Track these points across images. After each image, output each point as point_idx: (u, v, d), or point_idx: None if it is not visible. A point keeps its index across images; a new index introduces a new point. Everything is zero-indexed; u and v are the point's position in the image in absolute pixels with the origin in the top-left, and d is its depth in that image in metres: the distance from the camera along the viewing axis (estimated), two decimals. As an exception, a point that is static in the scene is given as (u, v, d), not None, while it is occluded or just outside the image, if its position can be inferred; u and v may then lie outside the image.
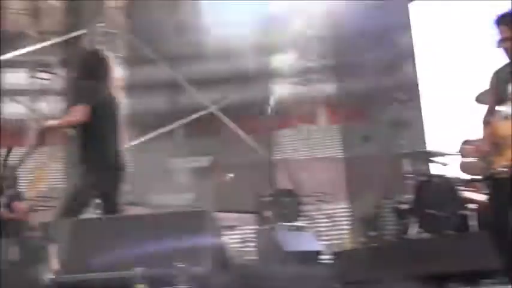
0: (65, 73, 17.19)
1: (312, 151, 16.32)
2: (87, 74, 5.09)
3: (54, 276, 4.14)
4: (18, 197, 8.07)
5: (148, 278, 3.70)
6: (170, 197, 25.68)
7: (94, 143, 4.89)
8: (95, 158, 4.92)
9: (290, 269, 8.08)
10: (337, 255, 8.18)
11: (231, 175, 13.08)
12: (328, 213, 13.41)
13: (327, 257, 10.82)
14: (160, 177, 25.31)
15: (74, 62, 4.96)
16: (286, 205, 10.88)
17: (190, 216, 4.34)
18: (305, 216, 12.28)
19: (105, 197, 5.20)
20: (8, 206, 7.93)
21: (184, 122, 17.13)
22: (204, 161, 28.49)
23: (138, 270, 3.68)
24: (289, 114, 17.60)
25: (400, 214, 8.77)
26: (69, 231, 4.28)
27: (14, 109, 24.75)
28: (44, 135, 4.80)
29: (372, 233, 9.97)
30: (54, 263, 9.68)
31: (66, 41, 15.85)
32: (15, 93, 17.73)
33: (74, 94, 4.88)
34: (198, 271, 3.88)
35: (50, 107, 16.57)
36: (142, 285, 3.59)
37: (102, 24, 14.74)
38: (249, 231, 11.51)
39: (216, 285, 4.01)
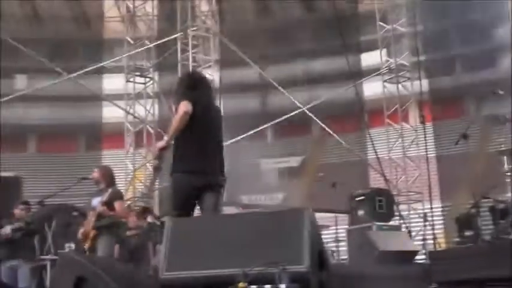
0: (159, 77, 17.80)
1: (404, 150, 16.02)
2: (187, 88, 5.12)
3: (157, 274, 4.31)
4: (116, 195, 8.40)
5: (249, 276, 3.78)
6: (261, 197, 26.01)
7: (193, 147, 4.94)
8: (192, 163, 4.95)
9: (384, 269, 7.98)
10: (432, 255, 8.00)
11: (321, 174, 13.03)
12: (422, 213, 13.13)
13: (422, 256, 10.62)
14: (251, 177, 25.69)
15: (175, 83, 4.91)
16: (379, 204, 10.76)
17: (289, 215, 4.39)
18: (399, 215, 12.11)
19: (203, 200, 5.29)
20: (107, 204, 8.26)
21: (275, 122, 17.23)
22: (294, 161, 28.62)
23: (240, 269, 3.78)
24: (380, 113, 17.37)
25: (498, 213, 8.49)
26: (171, 230, 4.45)
27: (112, 113, 25.89)
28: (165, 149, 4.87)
29: (468, 233, 9.69)
30: (157, 261, 10.03)
31: (160, 46, 16.37)
32: (113, 97, 18.50)
33: (177, 98, 4.94)
34: (298, 270, 3.93)
35: (146, 110, 17.18)
36: (244, 284, 3.68)
37: (195, 29, 15.11)
38: (341, 230, 11.46)
39: (316, 284, 4.05)
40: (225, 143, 15.76)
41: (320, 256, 4.40)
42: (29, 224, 8.48)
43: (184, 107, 4.82)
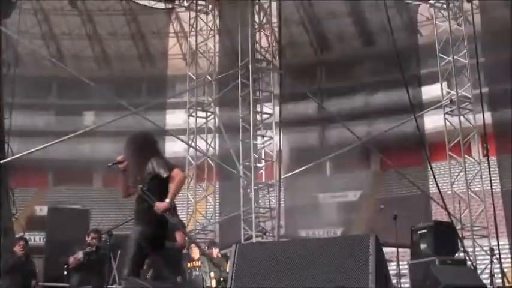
0: (220, 112, 18.07)
1: (468, 183, 15.65)
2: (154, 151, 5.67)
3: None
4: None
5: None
6: (319, 231, 25.83)
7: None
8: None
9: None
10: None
11: (382, 206, 12.89)
12: (489, 248, 12.74)
13: (489, 293, 10.30)
14: (309, 212, 25.60)
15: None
16: (443, 238, 10.55)
17: (355, 240, 4.41)
18: (463, 250, 11.81)
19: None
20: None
21: (333, 156, 17.18)
22: (353, 195, 28.36)
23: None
24: (441, 146, 17.09)
25: None
26: (238, 255, 4.53)
27: (174, 147, 26.41)
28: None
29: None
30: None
31: (221, 81, 16.70)
32: (176, 132, 18.88)
33: (162, 167, 5.34)
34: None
35: (207, 143, 17.46)
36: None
37: (256, 64, 15.36)
38: (403, 265, 11.25)
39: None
40: (283, 176, 15.78)
41: (386, 282, 4.40)
42: (99, 250, 8.71)
43: (182, 174, 5.34)
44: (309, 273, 4.23)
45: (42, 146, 12.50)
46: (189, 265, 10.30)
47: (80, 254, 8.76)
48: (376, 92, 28.23)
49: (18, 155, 12.25)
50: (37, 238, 17.82)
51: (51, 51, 26.79)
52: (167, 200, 5.32)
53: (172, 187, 5.33)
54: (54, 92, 30.31)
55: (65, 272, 9.11)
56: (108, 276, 9.26)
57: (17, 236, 12.01)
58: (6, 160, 11.79)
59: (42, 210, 20.47)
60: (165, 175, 5.35)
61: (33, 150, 12.22)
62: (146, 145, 5.62)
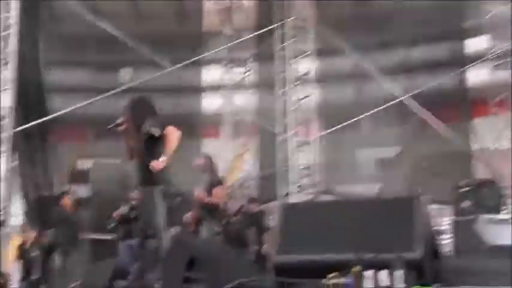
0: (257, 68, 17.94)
1: (513, 140, 15.27)
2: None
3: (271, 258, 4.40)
4: (218, 183, 8.61)
5: (364, 261, 3.78)
6: (357, 187, 25.73)
7: None
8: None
9: (491, 263, 7.72)
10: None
11: (424, 165, 12.71)
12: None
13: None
14: (347, 168, 25.46)
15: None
16: (486, 196, 10.37)
17: (402, 202, 4.35)
18: (507, 208, 11.61)
19: None
20: (209, 191, 8.49)
21: (374, 112, 16.96)
22: (391, 151, 28.07)
23: (353, 254, 3.79)
24: (487, 102, 16.68)
25: None
26: (283, 214, 4.52)
27: (211, 104, 26.43)
28: None
29: None
30: (268, 245, 10.21)
31: (258, 37, 16.50)
32: (212, 88, 18.87)
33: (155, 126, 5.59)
34: (412, 257, 3.88)
35: (244, 100, 17.42)
36: (358, 268, 3.68)
37: (292, 19, 15.11)
38: (444, 222, 11.13)
39: (430, 272, 3.99)
40: (321, 134, 15.67)
41: (432, 244, 4.34)
42: (143, 205, 8.87)
43: (176, 130, 5.56)
44: (354, 234, 4.20)
45: (84, 103, 12.64)
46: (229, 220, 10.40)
47: (124, 209, 8.94)
48: (417, 46, 27.59)
49: (61, 112, 12.41)
50: (80, 190, 18.18)
51: (89, 8, 26.81)
52: (162, 158, 5.43)
53: (167, 145, 5.47)
54: (92, 49, 30.44)
55: (111, 225, 9.33)
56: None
57: (63, 189, 12.32)
58: (50, 117, 11.97)
59: (84, 164, 20.84)
60: (156, 134, 5.51)
61: (75, 106, 12.36)
62: (143, 107, 5.81)
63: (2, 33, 11.46)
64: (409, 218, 4.13)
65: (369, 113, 17.46)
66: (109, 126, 5.92)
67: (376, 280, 3.62)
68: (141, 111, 5.75)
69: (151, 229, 5.95)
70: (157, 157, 5.47)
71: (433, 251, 4.39)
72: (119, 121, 5.87)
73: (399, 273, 3.67)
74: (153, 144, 5.56)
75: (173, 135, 5.54)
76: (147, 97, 6.04)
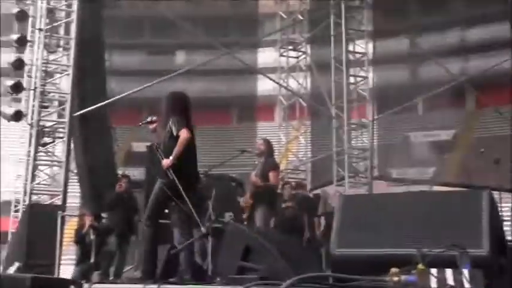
0: (311, 51, 17.79)
1: None
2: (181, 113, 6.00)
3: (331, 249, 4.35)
4: (274, 167, 8.59)
5: (428, 258, 3.68)
6: (410, 171, 25.35)
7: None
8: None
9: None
10: None
11: (482, 150, 12.34)
12: None
13: None
14: (400, 151, 25.11)
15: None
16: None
17: (467, 196, 4.23)
18: None
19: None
20: (264, 175, 8.47)
21: (429, 95, 16.57)
22: (446, 135, 27.49)
23: (416, 250, 3.70)
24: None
25: None
26: (343, 206, 4.46)
27: (265, 86, 26.38)
28: None
29: None
30: (322, 231, 10.17)
31: (313, 19, 16.35)
32: (266, 71, 18.82)
33: (175, 126, 5.79)
34: (479, 254, 3.77)
35: (298, 83, 17.31)
36: (423, 266, 3.58)
37: (348, 1, 14.88)
38: (505, 210, 10.82)
39: (497, 269, 3.87)
40: (377, 117, 15.39)
41: (500, 240, 4.21)
42: (198, 191, 8.92)
43: (186, 134, 5.73)
44: (417, 228, 4.10)
45: (140, 88, 12.79)
46: (283, 205, 10.39)
47: (177, 193, 9.00)
48: (473, 27, 26.79)
49: (119, 96, 12.59)
50: (135, 173, 18.54)
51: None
52: (170, 158, 5.75)
53: (176, 147, 5.75)
54: (147, 31, 30.80)
55: (166, 211, 9.43)
56: (204, 215, 9.51)
57: (119, 172, 12.55)
58: (109, 100, 12.16)
59: (138, 147, 21.20)
60: (175, 133, 5.78)
61: (132, 91, 12.53)
62: (173, 105, 6.00)
63: (64, 20, 11.69)
64: (476, 213, 4.00)
65: (424, 96, 17.08)
66: (140, 123, 6.30)
67: (440, 279, 3.53)
68: (170, 108, 5.99)
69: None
70: (170, 155, 5.82)
71: (501, 247, 4.25)
72: (149, 119, 6.19)
73: (465, 272, 3.56)
74: (171, 142, 5.87)
75: (182, 136, 5.77)
76: (180, 95, 6.20)
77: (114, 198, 10.30)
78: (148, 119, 6.23)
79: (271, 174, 8.30)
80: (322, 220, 10.66)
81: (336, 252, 4.33)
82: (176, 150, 5.76)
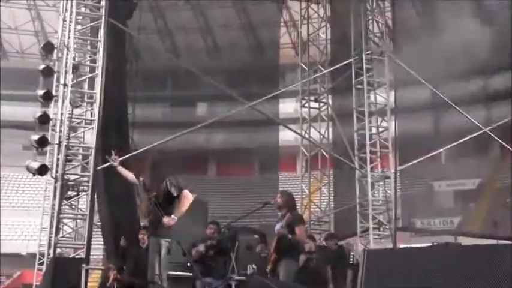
0: (333, 101, 17.84)
1: None
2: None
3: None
4: (299, 221, 8.51)
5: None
6: (434, 221, 24.97)
7: None
8: None
9: None
10: None
11: (508, 200, 12.16)
12: None
13: None
14: (424, 201, 24.80)
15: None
16: None
17: (497, 250, 4.12)
18: None
19: None
20: (289, 228, 8.40)
21: (454, 145, 16.40)
22: (470, 184, 27.13)
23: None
24: None
25: None
26: (366, 262, 4.38)
27: (286, 137, 26.45)
28: None
29: None
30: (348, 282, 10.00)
31: (334, 69, 16.44)
32: (287, 121, 18.88)
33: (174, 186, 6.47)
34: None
35: (320, 133, 17.30)
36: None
37: (369, 52, 15.00)
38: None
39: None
40: (400, 168, 15.25)
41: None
42: (220, 243, 8.87)
43: (190, 196, 6.43)
44: (444, 283, 4.00)
45: (163, 140, 12.88)
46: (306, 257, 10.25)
47: (201, 247, 8.97)
48: (495, 75, 26.78)
49: (144, 148, 12.69)
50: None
51: (167, 45, 27.67)
52: (173, 216, 6.30)
53: (180, 206, 6.30)
54: (170, 84, 31.32)
55: (188, 264, 9.36)
56: (228, 267, 9.42)
57: (141, 225, 12.56)
58: (132, 153, 12.26)
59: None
60: (175, 194, 6.33)
61: (157, 143, 12.61)
62: (163, 166, 6.66)
63: (88, 75, 11.94)
64: (505, 267, 3.89)
65: (448, 146, 16.93)
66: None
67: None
68: (162, 169, 6.62)
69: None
70: (169, 213, 6.30)
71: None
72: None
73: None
74: (169, 202, 6.37)
75: (187, 199, 6.38)
76: (167, 158, 6.80)
77: (135, 250, 10.29)
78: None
79: (297, 229, 8.22)
80: (348, 273, 10.50)
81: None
82: (180, 209, 6.28)
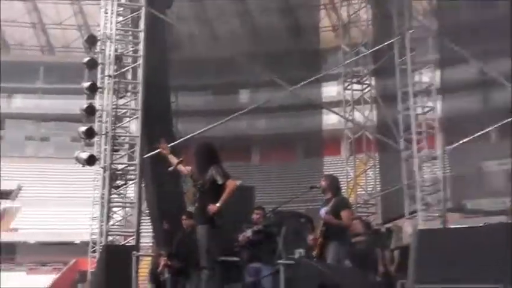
0: (376, 83, 17.61)
1: None
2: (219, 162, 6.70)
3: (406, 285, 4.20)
4: (345, 205, 8.41)
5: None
6: (485, 202, 24.44)
7: None
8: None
9: None
10: None
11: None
12: None
13: None
14: (474, 182, 24.28)
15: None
16: None
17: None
18: None
19: None
20: (335, 212, 8.31)
21: (504, 123, 15.98)
22: (521, 163, 26.43)
23: (500, 285, 3.49)
24: None
25: None
26: (418, 241, 4.31)
27: (329, 120, 26.30)
28: None
29: None
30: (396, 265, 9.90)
31: (377, 50, 16.20)
32: (330, 105, 18.74)
33: (219, 175, 6.47)
34: None
35: (364, 116, 17.11)
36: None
37: (412, 31, 14.69)
38: None
39: None
40: (448, 147, 14.92)
41: None
42: (267, 228, 8.85)
43: (235, 184, 6.50)
44: (497, 263, 3.89)
45: (206, 128, 12.95)
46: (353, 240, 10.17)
47: (248, 232, 8.95)
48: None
49: (187, 136, 12.79)
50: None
51: (206, 33, 27.72)
52: (218, 204, 6.33)
53: (224, 194, 6.37)
54: (211, 72, 31.41)
55: (236, 250, 9.40)
56: (275, 252, 9.42)
57: (188, 211, 12.69)
58: (177, 141, 12.37)
59: (205, 186, 21.34)
60: (220, 182, 6.42)
61: (200, 131, 12.71)
62: (209, 154, 6.69)
63: (131, 65, 12.08)
64: None
65: (497, 124, 16.50)
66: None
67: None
68: (207, 157, 6.63)
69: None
70: (214, 201, 6.35)
71: None
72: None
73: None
74: (214, 190, 6.45)
75: (232, 187, 6.43)
76: (213, 145, 6.81)
77: (182, 237, 10.37)
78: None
79: (344, 214, 8.12)
80: (396, 254, 10.37)
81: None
82: (225, 197, 6.35)
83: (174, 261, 10.26)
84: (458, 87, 22.13)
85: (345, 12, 18.06)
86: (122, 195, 11.88)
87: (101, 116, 11.98)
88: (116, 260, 9.90)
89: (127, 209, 12.18)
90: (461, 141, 15.78)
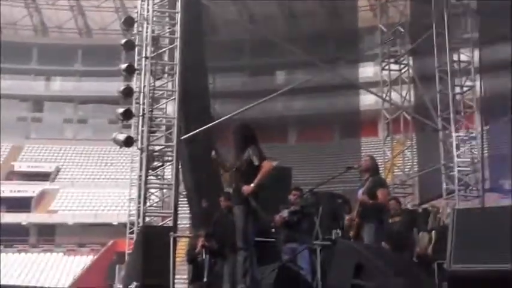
0: (413, 63, 17.37)
1: None
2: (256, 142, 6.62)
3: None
4: (382, 184, 8.38)
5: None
6: (525, 183, 23.96)
7: None
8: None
9: None
10: None
11: None
12: None
13: None
14: (515, 161, 23.84)
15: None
16: None
17: None
18: None
19: None
20: (372, 192, 8.29)
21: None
22: None
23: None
24: None
25: None
26: (456, 221, 4.28)
27: (366, 101, 26.05)
28: None
29: None
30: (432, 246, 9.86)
31: (414, 30, 15.97)
32: (368, 85, 18.57)
33: (256, 156, 6.42)
34: None
35: (402, 96, 16.92)
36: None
37: (452, 10, 14.41)
38: None
39: None
40: (486, 127, 14.60)
41: None
42: (304, 208, 8.88)
43: (270, 165, 6.42)
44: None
45: (243, 109, 13.00)
46: (390, 221, 10.14)
47: (285, 213, 9.00)
48: None
49: (224, 117, 12.84)
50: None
51: (243, 15, 27.66)
52: (252, 185, 6.27)
53: (259, 175, 6.29)
54: (248, 53, 31.40)
55: (272, 230, 9.45)
56: (312, 232, 9.44)
57: (225, 192, 12.79)
58: (214, 123, 12.44)
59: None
60: (256, 163, 6.36)
61: (236, 112, 12.74)
62: (246, 135, 6.63)
63: (168, 47, 12.15)
64: None
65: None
66: (213, 155, 6.80)
67: None
68: (245, 138, 6.60)
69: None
70: (250, 182, 6.31)
71: None
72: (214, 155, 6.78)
73: None
74: (250, 171, 6.39)
75: (267, 168, 6.35)
76: (251, 126, 6.78)
77: (220, 218, 10.46)
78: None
79: (380, 193, 8.09)
80: (433, 235, 10.31)
81: (452, 268, 4.17)
82: (259, 178, 6.29)
83: (211, 242, 10.37)
84: (498, 66, 21.64)
85: (383, -9, 17.76)
86: (159, 177, 12.01)
87: (138, 98, 12.10)
88: (154, 241, 10.03)
89: (164, 190, 12.32)
90: (500, 121, 15.53)
